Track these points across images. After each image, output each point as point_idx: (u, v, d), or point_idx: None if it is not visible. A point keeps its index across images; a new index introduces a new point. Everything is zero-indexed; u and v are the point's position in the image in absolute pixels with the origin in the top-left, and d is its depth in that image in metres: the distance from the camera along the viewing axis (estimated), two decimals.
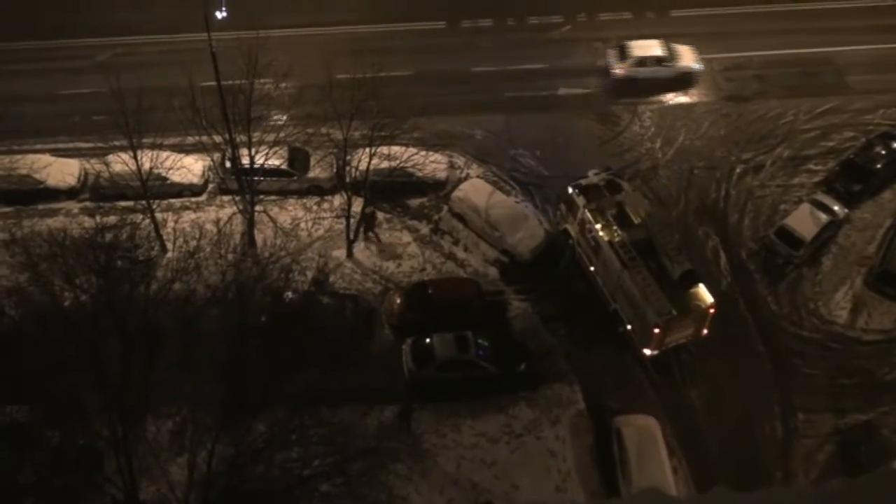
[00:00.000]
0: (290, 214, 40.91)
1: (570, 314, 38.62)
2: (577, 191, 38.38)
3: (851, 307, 38.92)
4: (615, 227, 36.90)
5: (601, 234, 36.97)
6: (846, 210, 40.94)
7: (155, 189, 37.48)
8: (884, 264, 39.40)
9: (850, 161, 42.29)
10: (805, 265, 39.97)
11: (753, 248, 40.58)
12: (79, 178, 41.57)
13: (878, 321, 38.65)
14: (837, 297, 39.18)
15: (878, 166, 41.95)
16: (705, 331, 36.67)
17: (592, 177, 38.89)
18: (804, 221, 39.84)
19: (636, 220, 37.23)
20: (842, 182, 41.80)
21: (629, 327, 36.87)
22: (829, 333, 38.28)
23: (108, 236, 32.89)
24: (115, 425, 27.39)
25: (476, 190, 41.11)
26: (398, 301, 38.00)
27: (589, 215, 37.53)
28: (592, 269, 38.37)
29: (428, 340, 36.28)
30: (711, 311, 35.95)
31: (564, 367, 37.08)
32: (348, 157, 37.92)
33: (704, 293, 35.95)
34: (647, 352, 36.37)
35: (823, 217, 40.07)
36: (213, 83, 35.37)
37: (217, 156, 40.14)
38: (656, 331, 35.10)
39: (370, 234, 40.18)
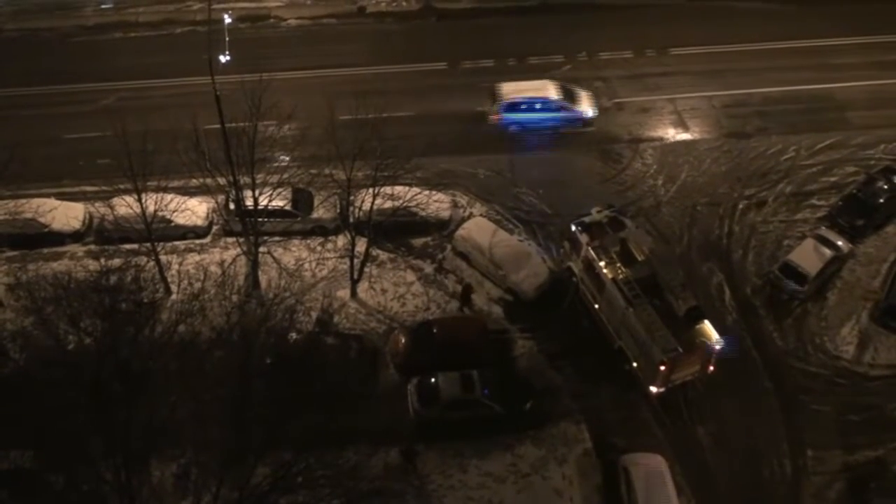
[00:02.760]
0: (294, 255, 40.96)
1: (575, 352, 38.47)
2: (579, 228, 38.43)
3: (858, 342, 38.79)
4: (619, 265, 36.87)
5: (605, 271, 36.93)
6: (850, 245, 40.94)
7: (159, 232, 37.60)
8: (889, 299, 39.31)
9: (852, 196, 42.38)
10: (810, 301, 39.89)
11: (758, 284, 40.52)
12: (83, 222, 41.73)
13: (886, 356, 38.48)
14: (844, 333, 39.05)
15: (881, 201, 42.03)
16: (711, 367, 36.49)
17: (595, 214, 38.91)
18: (808, 257, 39.80)
19: (640, 257, 37.24)
20: (845, 217, 41.86)
21: (635, 364, 36.71)
22: (836, 369, 38.11)
23: (113, 279, 32.91)
24: (119, 469, 27.21)
25: (479, 229, 41.19)
26: (403, 341, 37.91)
27: (592, 253, 37.52)
28: (597, 306, 38.28)
29: (433, 380, 36.14)
30: (718, 347, 35.81)
31: (570, 405, 36.87)
32: (352, 198, 38.05)
33: (710, 329, 35.82)
34: (654, 389, 36.17)
35: (827, 252, 40.05)
36: (217, 126, 35.68)
37: (221, 198, 40.32)
38: (662, 368, 34.95)
39: (465, 309, 39.62)
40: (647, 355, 35.43)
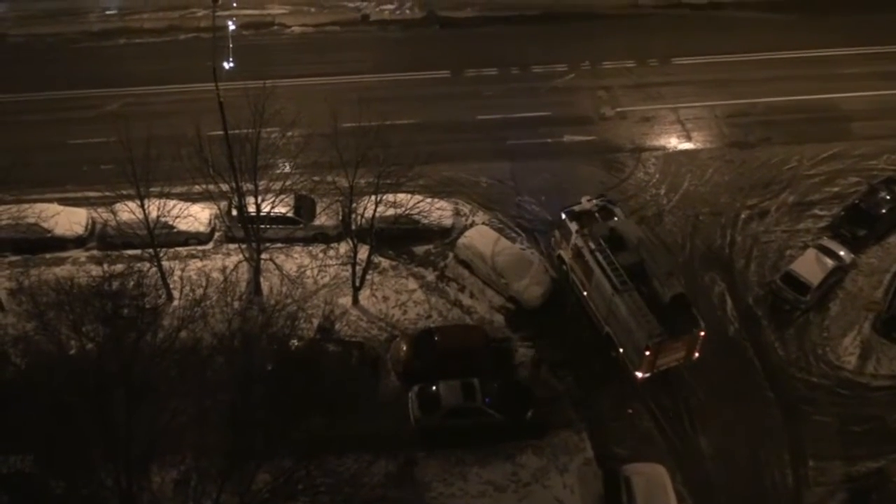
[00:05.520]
0: (296, 262, 40.97)
1: (577, 360, 38.43)
2: (569, 217, 38.87)
3: (860, 353, 38.71)
4: (607, 252, 37.17)
5: (593, 258, 37.21)
6: (852, 255, 40.91)
7: (162, 237, 37.58)
8: (891, 309, 39.24)
9: (855, 206, 42.37)
10: (812, 311, 39.84)
11: (760, 294, 40.49)
12: (86, 227, 41.76)
13: (888, 367, 38.42)
14: (846, 343, 38.99)
15: (883, 211, 42.01)
16: (697, 354, 36.79)
17: (585, 203, 39.56)
18: (810, 267, 39.77)
19: (628, 245, 37.57)
20: (847, 227, 41.86)
21: (621, 350, 37.06)
22: (838, 379, 38.05)
23: (115, 285, 32.93)
24: (119, 475, 27.20)
25: (481, 237, 41.20)
26: (404, 348, 37.88)
27: (581, 240, 37.94)
28: (586, 293, 38.71)
29: (434, 388, 36.09)
30: (702, 334, 36.05)
31: (572, 414, 36.83)
32: (354, 205, 38.09)
33: (695, 316, 36.21)
34: (639, 374, 36.49)
35: (830, 262, 40.02)
36: (221, 132, 35.72)
37: (224, 204, 40.34)
38: (647, 353, 35.36)
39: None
40: (633, 341, 35.83)
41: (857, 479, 35.34)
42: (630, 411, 37.16)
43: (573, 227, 38.62)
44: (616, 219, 38.85)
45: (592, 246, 37.49)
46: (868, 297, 40.37)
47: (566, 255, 39.67)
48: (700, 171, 45.04)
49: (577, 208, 39.35)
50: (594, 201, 39.64)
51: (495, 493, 34.54)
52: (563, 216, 39.35)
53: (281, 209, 38.52)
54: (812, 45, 50.05)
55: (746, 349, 38.79)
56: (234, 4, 47.03)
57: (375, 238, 38.31)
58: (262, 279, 39.33)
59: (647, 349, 35.19)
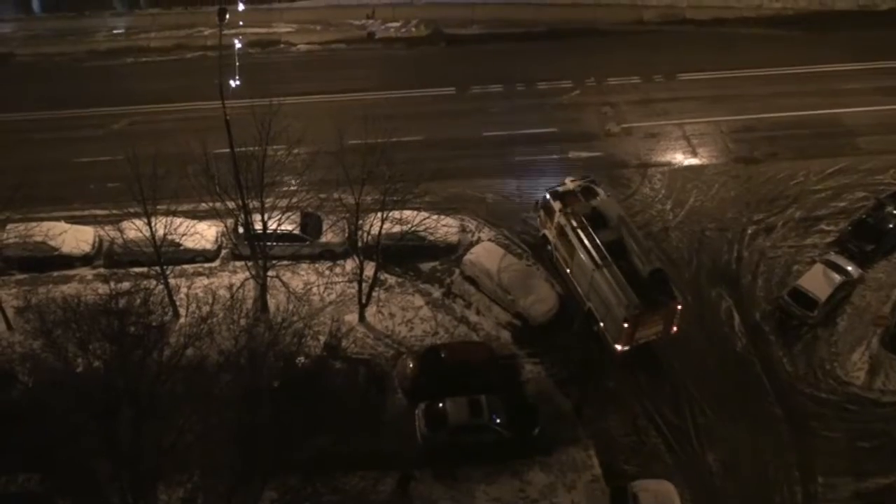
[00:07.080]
0: (302, 279, 40.99)
1: (584, 376, 38.32)
2: (553, 197, 40.03)
3: (868, 368, 38.55)
4: (589, 230, 38.11)
5: (575, 236, 38.10)
6: (860, 270, 40.81)
7: (168, 255, 37.70)
8: None
9: (862, 221, 42.31)
10: (820, 326, 39.71)
11: (767, 310, 40.38)
12: (93, 245, 41.87)
13: None
14: (854, 358, 38.83)
15: (891, 226, 41.92)
16: (675, 328, 37.52)
17: (569, 184, 40.61)
18: (818, 282, 39.67)
19: (609, 223, 38.56)
20: (854, 242, 41.78)
21: (602, 325, 37.83)
22: (846, 395, 37.87)
23: (122, 302, 32.93)
24: (126, 494, 27.16)
25: (488, 253, 41.22)
26: (411, 365, 37.82)
27: (564, 219, 38.91)
28: (569, 270, 39.59)
29: (441, 405, 36.02)
30: (679, 307, 36.82)
31: (579, 430, 36.70)
32: (360, 222, 38.15)
33: (672, 291, 37.06)
34: (619, 347, 37.19)
35: (837, 277, 39.91)
36: (227, 150, 35.83)
37: (230, 222, 40.41)
38: (626, 325, 36.21)
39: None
40: (613, 314, 36.71)
41: (866, 496, 35.10)
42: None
43: (556, 206, 39.56)
44: (598, 198, 39.71)
45: (574, 224, 38.48)
46: (876, 312, 40.23)
47: (550, 234, 40.60)
48: (706, 186, 45.05)
49: (560, 189, 40.47)
50: (578, 181, 40.71)
51: None
52: (548, 196, 40.32)
53: (287, 226, 38.53)
54: (816, 61, 50.18)
55: (754, 365, 38.65)
56: (241, 23, 47.26)
57: (382, 255, 38.35)
58: (268, 296, 39.35)
59: (625, 321, 36.14)
